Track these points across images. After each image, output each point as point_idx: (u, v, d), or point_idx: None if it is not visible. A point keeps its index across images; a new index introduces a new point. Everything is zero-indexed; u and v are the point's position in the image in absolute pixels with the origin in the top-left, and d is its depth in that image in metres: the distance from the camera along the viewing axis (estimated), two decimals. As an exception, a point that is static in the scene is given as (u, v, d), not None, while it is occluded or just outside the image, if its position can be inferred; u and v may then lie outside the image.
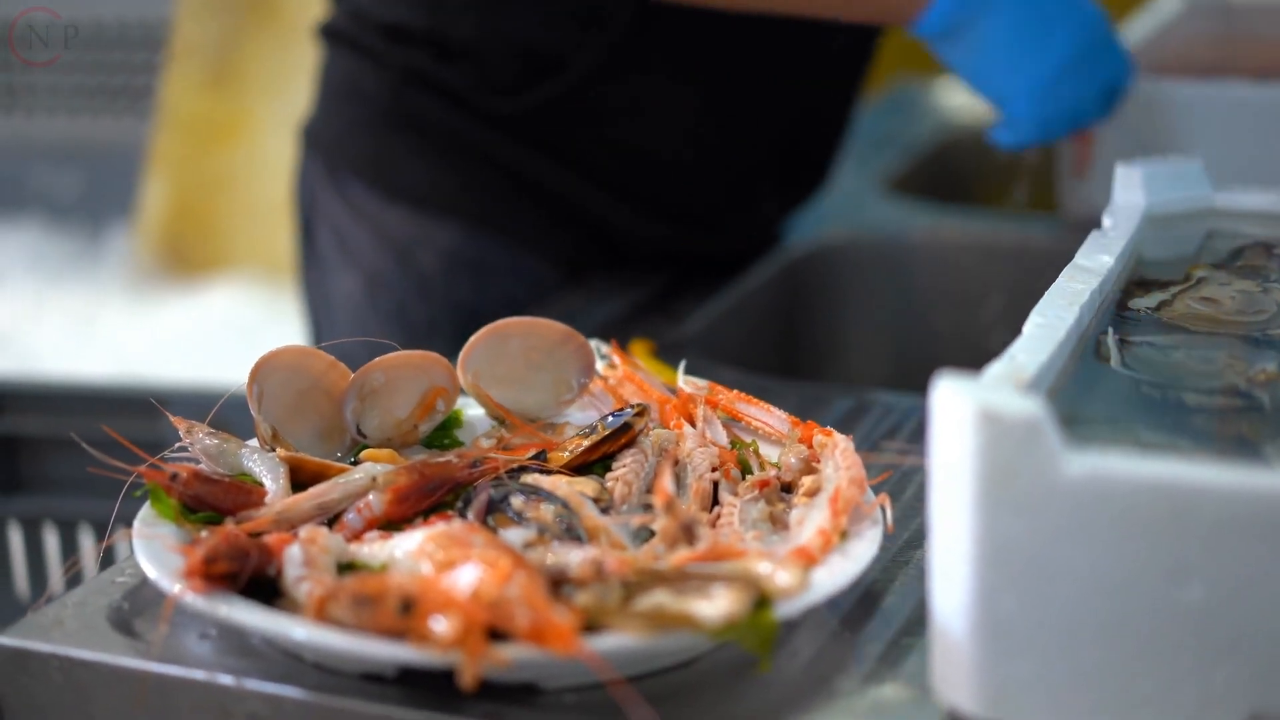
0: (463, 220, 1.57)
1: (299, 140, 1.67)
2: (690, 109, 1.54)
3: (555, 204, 1.57)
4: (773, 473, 1.00)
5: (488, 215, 1.57)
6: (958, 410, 0.77)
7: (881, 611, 0.94)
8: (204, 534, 0.92)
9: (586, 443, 1.01)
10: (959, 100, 2.27)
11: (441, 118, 1.55)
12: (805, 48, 1.55)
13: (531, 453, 1.03)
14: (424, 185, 1.58)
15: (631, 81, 1.52)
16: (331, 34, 1.63)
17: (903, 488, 1.09)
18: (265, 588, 0.89)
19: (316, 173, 1.64)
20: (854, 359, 1.76)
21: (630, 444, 1.02)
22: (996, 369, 0.83)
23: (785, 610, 0.85)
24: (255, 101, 3.07)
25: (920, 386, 0.99)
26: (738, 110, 1.56)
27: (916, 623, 0.92)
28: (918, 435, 1.18)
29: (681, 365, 1.14)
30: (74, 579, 0.92)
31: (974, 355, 1.03)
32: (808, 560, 0.89)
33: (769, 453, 1.04)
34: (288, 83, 2.82)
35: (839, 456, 0.97)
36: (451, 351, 1.08)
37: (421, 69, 1.55)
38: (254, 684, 0.87)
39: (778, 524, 0.96)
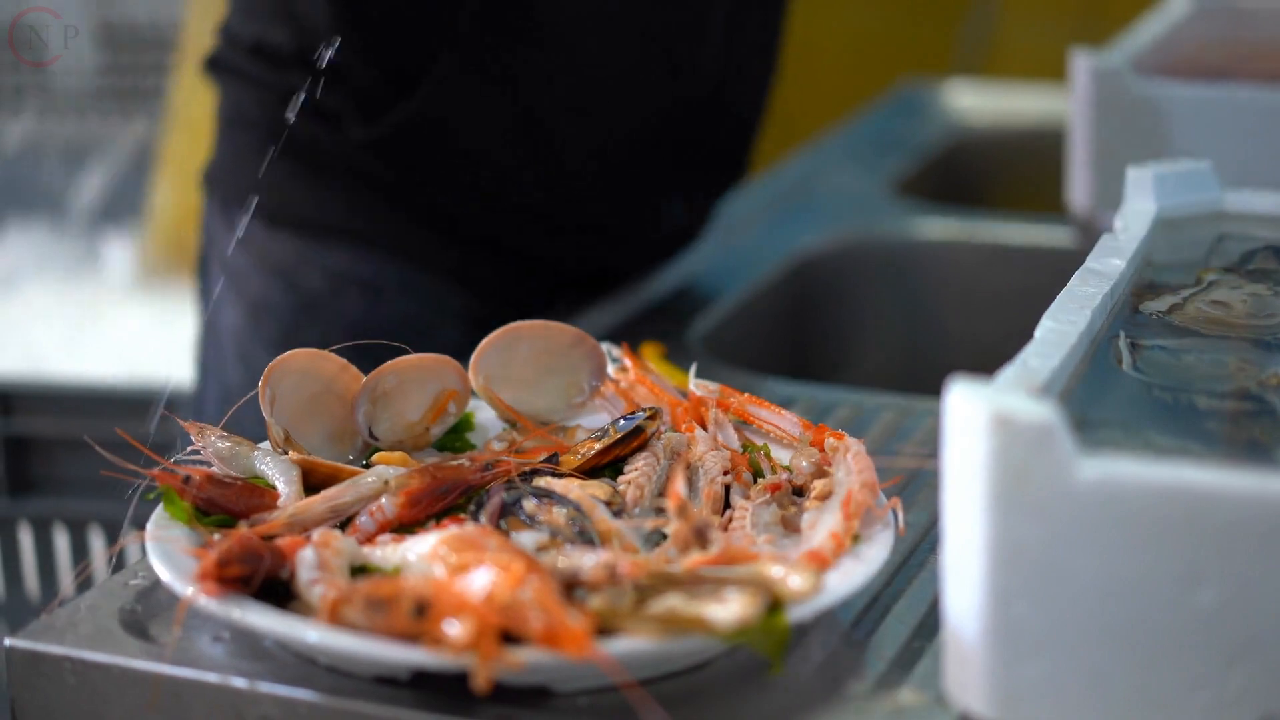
0: (350, 241, 1.52)
1: (200, 185, 1.61)
2: (546, 120, 1.49)
3: (441, 222, 1.53)
4: (784, 476, 1.00)
5: (375, 235, 1.53)
6: (971, 414, 0.77)
7: (894, 615, 0.94)
8: (217, 537, 0.92)
9: (598, 446, 1.02)
10: (968, 102, 2.27)
11: (321, 140, 1.50)
12: (668, 37, 1.49)
13: (543, 456, 1.03)
14: (309, 208, 1.53)
15: (485, 94, 1.47)
16: (215, 65, 1.57)
17: (915, 491, 1.09)
18: (278, 590, 0.89)
19: (213, 212, 1.59)
20: (864, 362, 1.76)
21: (642, 447, 1.02)
22: (1009, 373, 0.83)
23: (797, 614, 0.85)
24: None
25: (931, 389, 0.99)
26: (601, 113, 1.50)
27: (929, 626, 0.92)
28: (929, 438, 1.18)
29: (693, 368, 1.14)
30: (85, 581, 0.92)
31: (984, 358, 1.03)
32: (820, 564, 0.90)
33: (781, 456, 1.04)
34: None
35: (851, 460, 0.97)
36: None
37: (297, 91, 1.46)
38: (267, 687, 0.87)
39: (790, 527, 0.96)
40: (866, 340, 1.77)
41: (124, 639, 0.91)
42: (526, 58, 1.46)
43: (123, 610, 0.94)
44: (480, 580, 0.82)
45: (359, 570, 0.90)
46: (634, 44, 1.48)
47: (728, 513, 0.98)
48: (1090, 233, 1.59)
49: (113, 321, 2.70)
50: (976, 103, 2.27)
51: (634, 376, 1.12)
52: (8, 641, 0.92)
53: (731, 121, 1.58)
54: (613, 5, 1.46)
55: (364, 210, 1.52)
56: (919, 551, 1.01)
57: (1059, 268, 1.05)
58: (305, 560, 0.88)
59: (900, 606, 0.95)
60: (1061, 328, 0.90)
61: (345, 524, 0.96)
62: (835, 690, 0.87)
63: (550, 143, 1.49)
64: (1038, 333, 0.90)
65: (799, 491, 1.00)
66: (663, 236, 1.60)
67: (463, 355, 1.08)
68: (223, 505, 0.96)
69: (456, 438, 1.09)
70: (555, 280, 1.56)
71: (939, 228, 1.78)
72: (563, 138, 1.49)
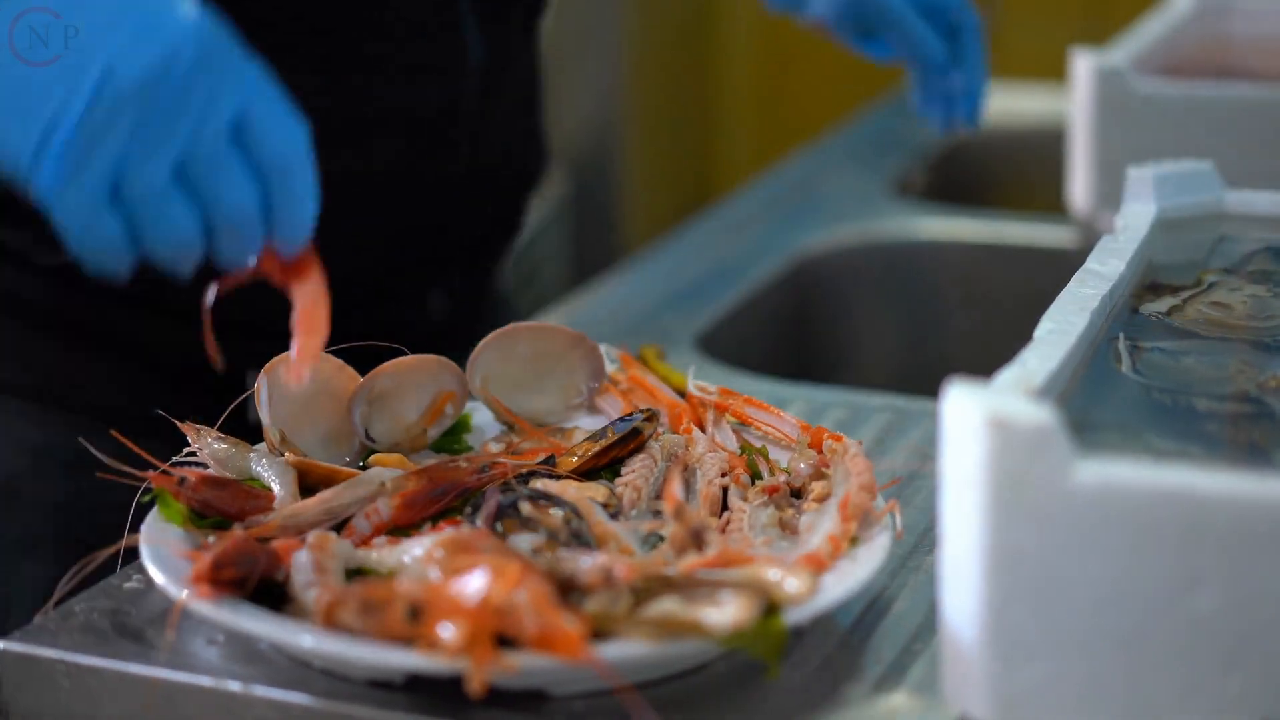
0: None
1: None
2: None
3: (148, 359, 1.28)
4: (782, 478, 1.00)
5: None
6: (968, 417, 0.76)
7: (892, 618, 0.94)
8: (212, 539, 0.92)
9: (595, 448, 1.01)
10: (969, 102, 2.26)
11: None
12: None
13: (540, 458, 1.02)
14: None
15: None
16: None
17: (913, 493, 1.09)
18: (273, 593, 0.88)
19: None
20: (864, 363, 1.76)
21: (639, 449, 1.02)
22: (1007, 375, 0.83)
23: (794, 617, 0.84)
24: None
25: (931, 391, 0.99)
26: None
27: (927, 629, 0.92)
28: (928, 440, 1.18)
29: (691, 370, 1.14)
30: (80, 583, 0.92)
31: (985, 358, 1.02)
32: (817, 567, 0.89)
33: (779, 458, 1.03)
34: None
35: (849, 462, 0.97)
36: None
37: None
38: (262, 690, 0.87)
39: (787, 530, 0.95)
40: (866, 341, 1.76)
41: (118, 642, 0.91)
42: None
43: (117, 613, 0.94)
44: (475, 583, 0.82)
45: (355, 573, 0.90)
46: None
47: (725, 515, 0.97)
48: (1091, 233, 1.59)
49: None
50: (978, 102, 2.26)
51: (632, 378, 1.11)
52: (0, 644, 0.91)
53: (494, 199, 1.34)
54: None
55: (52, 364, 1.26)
56: (918, 554, 1.00)
57: (1060, 268, 1.05)
58: (300, 563, 0.88)
59: (899, 609, 0.95)
60: (1061, 329, 0.90)
61: (341, 526, 0.96)
62: (832, 693, 0.87)
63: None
64: (1036, 334, 0.89)
65: (797, 494, 1.00)
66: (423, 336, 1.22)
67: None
68: (218, 507, 0.96)
69: (454, 439, 1.09)
70: None
71: (940, 228, 1.78)
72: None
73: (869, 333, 1.76)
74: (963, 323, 1.75)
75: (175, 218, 0.83)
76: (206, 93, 0.82)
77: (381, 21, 1.18)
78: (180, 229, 0.83)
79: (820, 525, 0.93)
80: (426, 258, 1.28)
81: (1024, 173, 2.01)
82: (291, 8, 1.16)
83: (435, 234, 1.27)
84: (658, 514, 0.95)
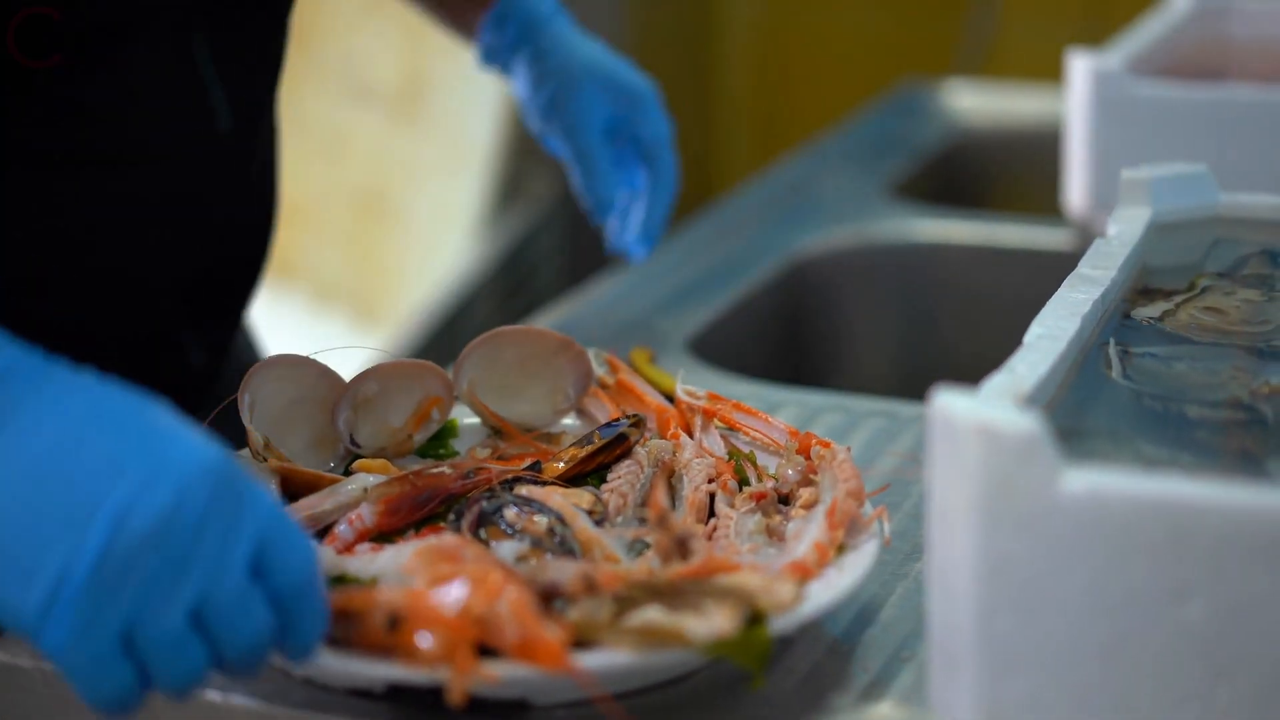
0: None
1: None
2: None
3: None
4: (770, 484, 0.99)
5: None
6: (955, 424, 0.76)
7: (879, 626, 0.93)
8: (192, 546, 0.91)
9: (581, 453, 1.00)
10: (967, 103, 2.25)
11: None
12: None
13: (526, 463, 1.01)
14: None
15: None
16: None
17: (903, 500, 1.08)
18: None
19: None
20: (859, 366, 1.75)
21: (626, 455, 1.01)
22: (995, 382, 0.82)
23: (779, 626, 0.83)
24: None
25: (926, 395, 0.97)
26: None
27: (915, 637, 0.91)
28: (921, 445, 1.17)
29: (680, 375, 1.13)
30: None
31: (981, 362, 1.01)
32: (803, 575, 0.88)
33: (768, 463, 1.02)
34: (298, 87, 2.81)
35: (837, 468, 0.96)
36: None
37: None
38: (241, 699, 0.86)
39: (775, 537, 0.94)
40: (861, 344, 1.75)
41: (97, 650, 0.90)
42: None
43: (97, 620, 0.93)
44: (455, 592, 0.81)
45: (336, 580, 0.89)
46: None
47: (712, 521, 0.96)
48: (1088, 235, 1.57)
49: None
50: (976, 104, 2.25)
51: (620, 382, 1.10)
52: (-21, 653, 0.90)
53: (245, 247, 1.29)
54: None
55: None
56: (907, 561, 0.99)
57: (1056, 271, 1.03)
58: (281, 570, 0.87)
59: (886, 617, 0.94)
60: (1051, 335, 0.89)
61: (324, 532, 0.95)
62: (818, 702, 0.86)
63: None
64: (1026, 340, 0.88)
65: (785, 500, 0.99)
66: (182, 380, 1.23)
67: None
68: (199, 514, 0.94)
69: (440, 444, 1.08)
70: None
71: (937, 229, 1.77)
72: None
73: (864, 336, 1.75)
74: (959, 326, 1.74)
75: (191, 660, 0.78)
76: (222, 532, 0.77)
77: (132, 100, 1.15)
78: (195, 669, 0.78)
79: (807, 532, 0.92)
80: (181, 304, 1.23)
81: (1021, 175, 2.00)
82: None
83: (193, 281, 1.22)
84: (644, 521, 0.94)
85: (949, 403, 0.76)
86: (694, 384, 1.11)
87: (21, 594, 0.77)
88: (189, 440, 0.79)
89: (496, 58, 1.42)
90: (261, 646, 0.78)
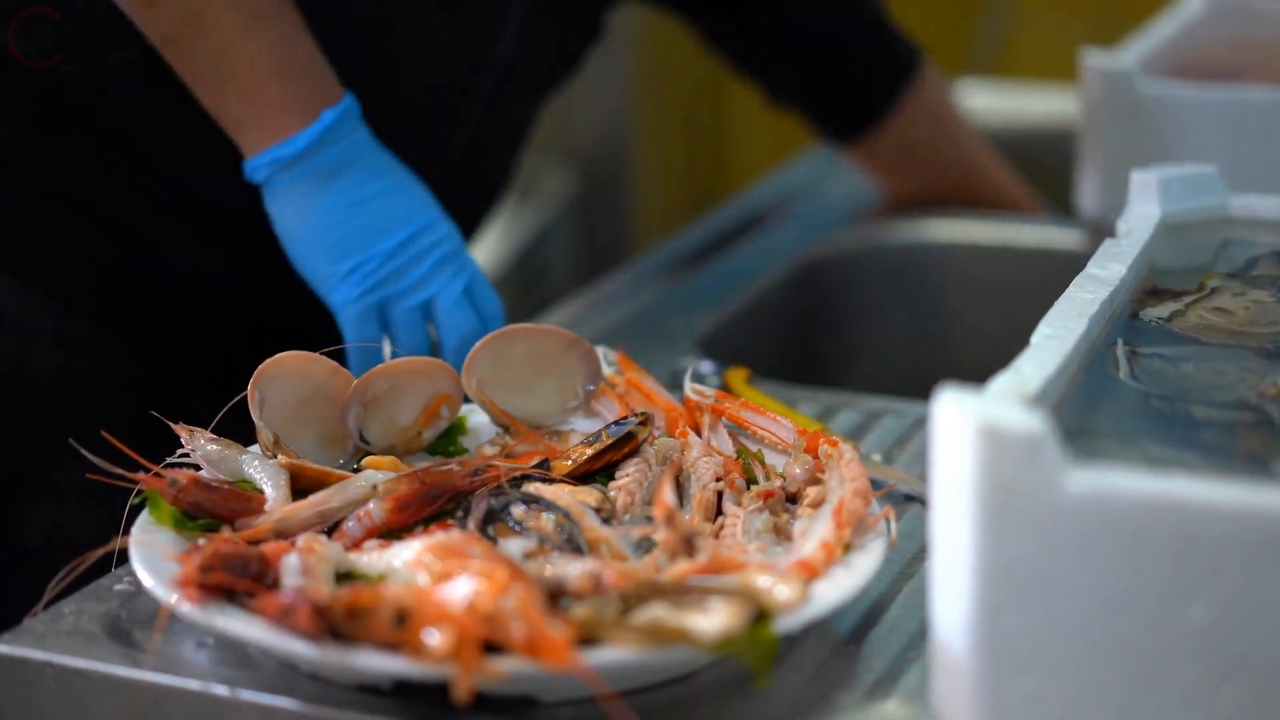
0: None
1: None
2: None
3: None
4: (777, 483, 0.99)
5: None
6: (960, 424, 0.76)
7: (886, 625, 0.93)
8: (201, 542, 0.91)
9: (590, 451, 1.00)
10: (982, 103, 2.25)
11: None
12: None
13: (535, 461, 1.02)
14: None
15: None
16: None
17: (909, 499, 1.08)
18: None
19: None
20: (869, 366, 1.74)
21: (634, 453, 1.01)
22: (1001, 382, 0.82)
23: (784, 625, 0.83)
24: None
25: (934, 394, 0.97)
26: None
27: (921, 637, 0.91)
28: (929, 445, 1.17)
29: (688, 373, 1.13)
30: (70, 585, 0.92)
31: (992, 362, 1.01)
32: (809, 573, 0.88)
33: (776, 462, 1.02)
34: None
35: (844, 467, 0.96)
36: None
37: None
38: (249, 694, 0.86)
39: (782, 535, 0.94)
40: (873, 344, 1.75)
41: (106, 645, 0.90)
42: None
43: (107, 615, 0.93)
44: (462, 589, 0.81)
45: (345, 576, 0.89)
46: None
47: (719, 520, 0.96)
48: (1100, 235, 1.57)
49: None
50: (990, 103, 2.24)
51: (629, 381, 1.11)
52: (-10, 647, 0.91)
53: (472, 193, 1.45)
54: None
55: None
56: (914, 561, 1.00)
57: (1068, 271, 1.04)
58: (289, 566, 0.87)
59: (893, 616, 0.94)
60: (1058, 335, 0.89)
61: (333, 529, 0.95)
62: (823, 701, 0.86)
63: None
64: (1033, 340, 0.88)
65: (793, 499, 0.99)
66: None
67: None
68: (209, 510, 0.95)
69: (449, 442, 1.08)
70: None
71: (947, 230, 1.76)
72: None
73: (875, 335, 1.75)
74: (970, 326, 1.73)
75: (418, 336, 1.20)
76: (458, 265, 1.21)
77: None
78: (420, 345, 1.20)
79: (814, 531, 0.92)
80: None
81: (1034, 174, 1.98)
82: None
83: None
84: (651, 519, 0.94)
85: (953, 402, 0.76)
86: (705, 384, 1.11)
87: (332, 270, 1.18)
88: (445, 215, 1.23)
89: None
90: (468, 341, 1.11)
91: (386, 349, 1.18)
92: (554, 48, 1.45)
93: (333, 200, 1.19)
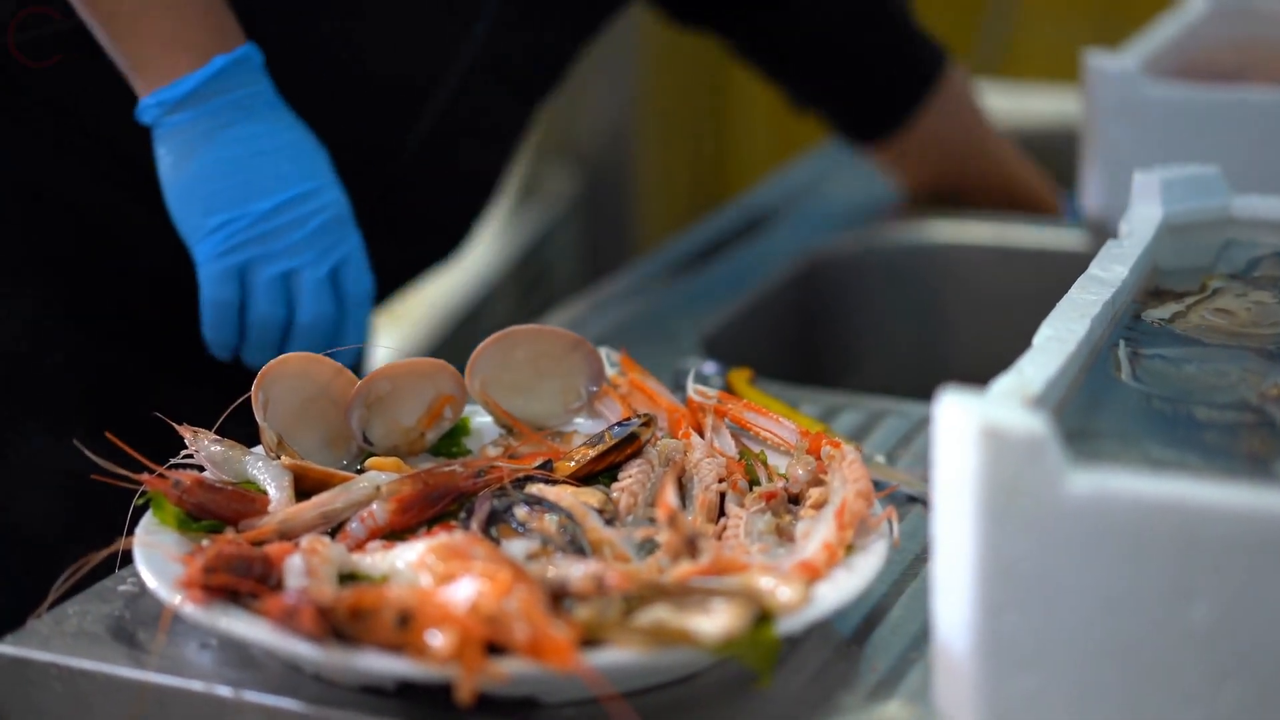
0: None
1: None
2: None
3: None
4: (780, 484, 0.99)
5: None
6: (961, 425, 0.76)
7: (888, 626, 0.93)
8: (205, 543, 0.92)
9: (593, 452, 1.01)
10: (985, 103, 2.25)
11: None
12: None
13: (538, 462, 1.02)
14: None
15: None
16: None
17: (912, 500, 1.08)
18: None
19: None
20: (871, 367, 1.75)
21: (637, 454, 1.01)
22: (1003, 383, 0.82)
23: (786, 626, 0.84)
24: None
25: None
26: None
27: (923, 638, 0.91)
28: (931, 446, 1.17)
29: (691, 374, 1.13)
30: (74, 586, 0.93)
31: (994, 363, 1.01)
32: (811, 574, 0.88)
33: (778, 463, 1.03)
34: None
35: (846, 469, 0.96)
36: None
37: None
38: (253, 695, 0.86)
39: (784, 536, 0.95)
40: (876, 345, 1.75)
41: (110, 646, 0.91)
42: None
43: (111, 616, 0.94)
44: (465, 590, 0.82)
45: (348, 577, 0.90)
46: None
47: (722, 521, 0.97)
48: (1102, 236, 1.57)
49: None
50: (993, 104, 2.24)
51: (631, 382, 1.11)
52: (-6, 648, 0.91)
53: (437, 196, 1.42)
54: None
55: None
56: (916, 562, 1.00)
57: (1071, 272, 1.04)
58: (293, 567, 0.88)
59: (895, 617, 0.94)
60: (1060, 336, 0.89)
61: (337, 530, 0.96)
62: (826, 702, 0.86)
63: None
64: (1035, 341, 0.88)
65: (795, 500, 0.99)
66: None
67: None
68: (212, 511, 0.95)
69: (452, 443, 1.08)
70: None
71: (950, 231, 1.77)
72: None
73: (877, 336, 1.75)
74: (972, 327, 1.73)
75: (275, 311, 1.17)
76: (333, 239, 1.18)
77: None
78: (276, 320, 1.17)
79: (817, 532, 0.92)
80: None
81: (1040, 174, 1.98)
82: None
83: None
84: (654, 520, 0.95)
85: (955, 403, 0.77)
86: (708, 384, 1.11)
87: (201, 222, 1.15)
88: (337, 185, 1.19)
89: None
90: (319, 322, 1.13)
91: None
92: (532, 38, 1.40)
93: (218, 152, 1.16)
